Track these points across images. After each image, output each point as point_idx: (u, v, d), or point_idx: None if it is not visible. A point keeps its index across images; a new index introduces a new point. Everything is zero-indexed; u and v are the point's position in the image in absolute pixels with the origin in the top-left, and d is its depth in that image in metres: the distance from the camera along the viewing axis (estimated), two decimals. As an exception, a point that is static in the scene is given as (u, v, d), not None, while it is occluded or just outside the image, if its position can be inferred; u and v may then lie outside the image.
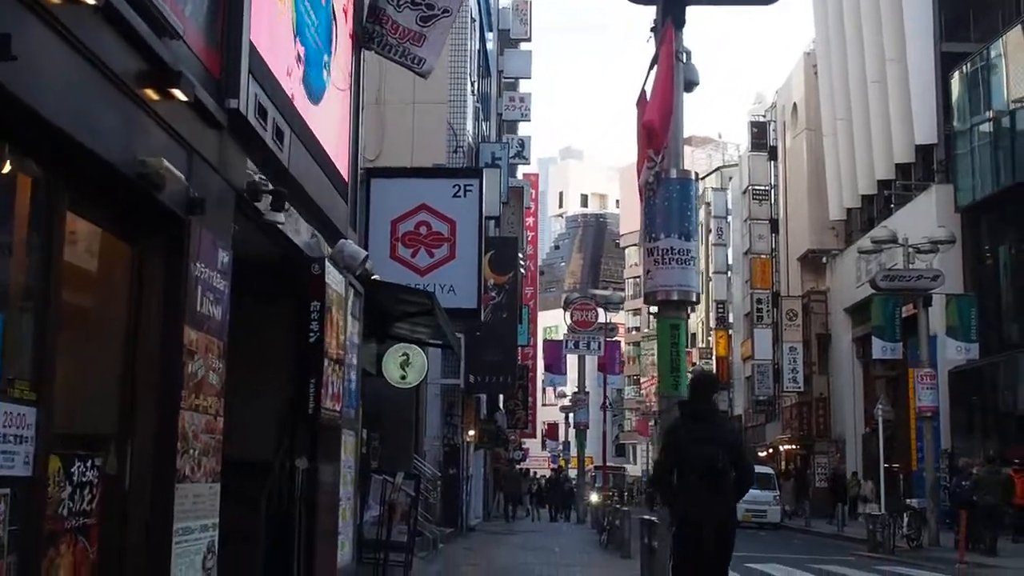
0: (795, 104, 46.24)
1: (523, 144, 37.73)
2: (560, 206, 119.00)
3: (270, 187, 6.50)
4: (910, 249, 23.63)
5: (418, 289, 12.04)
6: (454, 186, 16.35)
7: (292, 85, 7.30)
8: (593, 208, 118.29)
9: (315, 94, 8.01)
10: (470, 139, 25.13)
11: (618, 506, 20.59)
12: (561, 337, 44.98)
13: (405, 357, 15.28)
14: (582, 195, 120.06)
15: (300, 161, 7.30)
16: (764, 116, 50.59)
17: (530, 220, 47.71)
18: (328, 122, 8.49)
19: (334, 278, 7.88)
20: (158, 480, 5.25)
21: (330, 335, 7.70)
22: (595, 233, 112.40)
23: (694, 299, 9.24)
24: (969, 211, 29.00)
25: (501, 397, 34.05)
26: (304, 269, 7.51)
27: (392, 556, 12.27)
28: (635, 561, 16.73)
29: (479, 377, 24.16)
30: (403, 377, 15.30)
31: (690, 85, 9.86)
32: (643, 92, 9.67)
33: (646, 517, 14.36)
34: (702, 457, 6.86)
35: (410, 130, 22.13)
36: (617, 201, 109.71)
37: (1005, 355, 27.11)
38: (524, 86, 41.50)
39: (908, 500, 22.26)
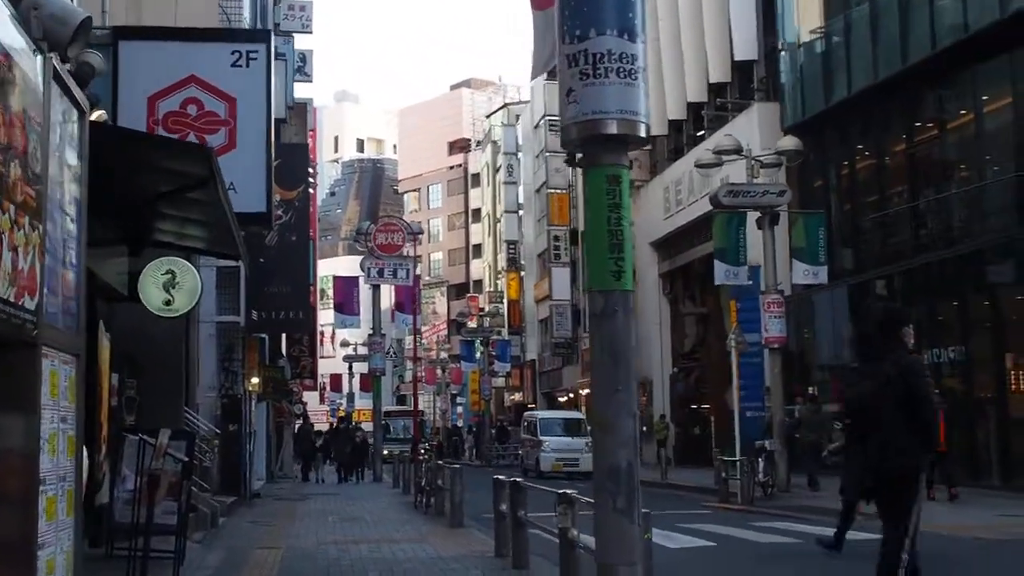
0: (595, 28, 43.58)
1: (304, 58, 33.44)
2: (336, 151, 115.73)
3: None
4: (754, 162, 21.16)
5: (184, 142, 8.01)
6: (233, 52, 12.58)
7: None
8: (370, 153, 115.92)
9: None
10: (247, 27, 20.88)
11: (440, 462, 17.03)
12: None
13: (170, 275, 11.32)
14: (358, 140, 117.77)
15: None
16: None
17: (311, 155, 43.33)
18: None
19: (11, 39, 3.91)
20: None
21: (3, 151, 3.75)
22: (372, 179, 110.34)
23: (642, 134, 5.80)
24: (796, 130, 26.83)
25: (284, 341, 29.87)
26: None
27: (155, 545, 9.01)
28: (470, 531, 13.41)
29: (264, 313, 20.03)
30: (168, 303, 11.37)
31: None
32: None
33: (501, 477, 11.05)
34: (852, 399, 6.28)
35: (171, 11, 18.22)
36: (395, 146, 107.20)
37: (835, 284, 25.22)
38: None
39: (759, 442, 19.86)
